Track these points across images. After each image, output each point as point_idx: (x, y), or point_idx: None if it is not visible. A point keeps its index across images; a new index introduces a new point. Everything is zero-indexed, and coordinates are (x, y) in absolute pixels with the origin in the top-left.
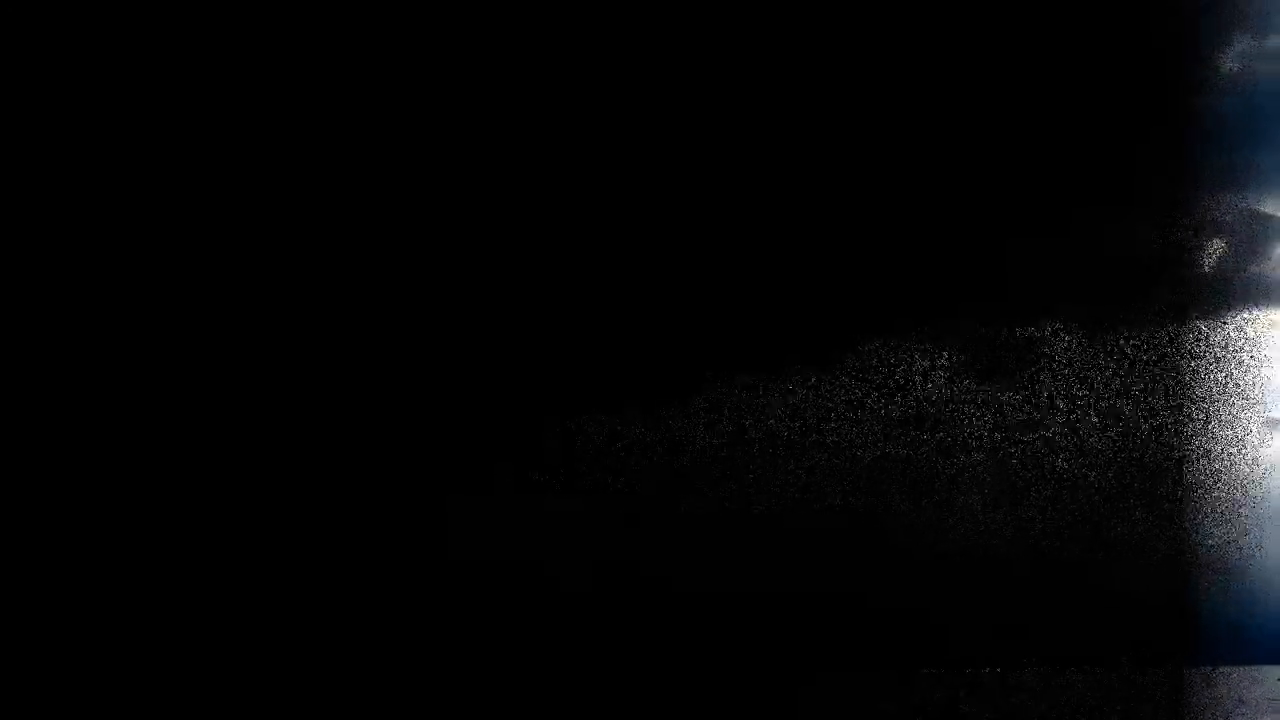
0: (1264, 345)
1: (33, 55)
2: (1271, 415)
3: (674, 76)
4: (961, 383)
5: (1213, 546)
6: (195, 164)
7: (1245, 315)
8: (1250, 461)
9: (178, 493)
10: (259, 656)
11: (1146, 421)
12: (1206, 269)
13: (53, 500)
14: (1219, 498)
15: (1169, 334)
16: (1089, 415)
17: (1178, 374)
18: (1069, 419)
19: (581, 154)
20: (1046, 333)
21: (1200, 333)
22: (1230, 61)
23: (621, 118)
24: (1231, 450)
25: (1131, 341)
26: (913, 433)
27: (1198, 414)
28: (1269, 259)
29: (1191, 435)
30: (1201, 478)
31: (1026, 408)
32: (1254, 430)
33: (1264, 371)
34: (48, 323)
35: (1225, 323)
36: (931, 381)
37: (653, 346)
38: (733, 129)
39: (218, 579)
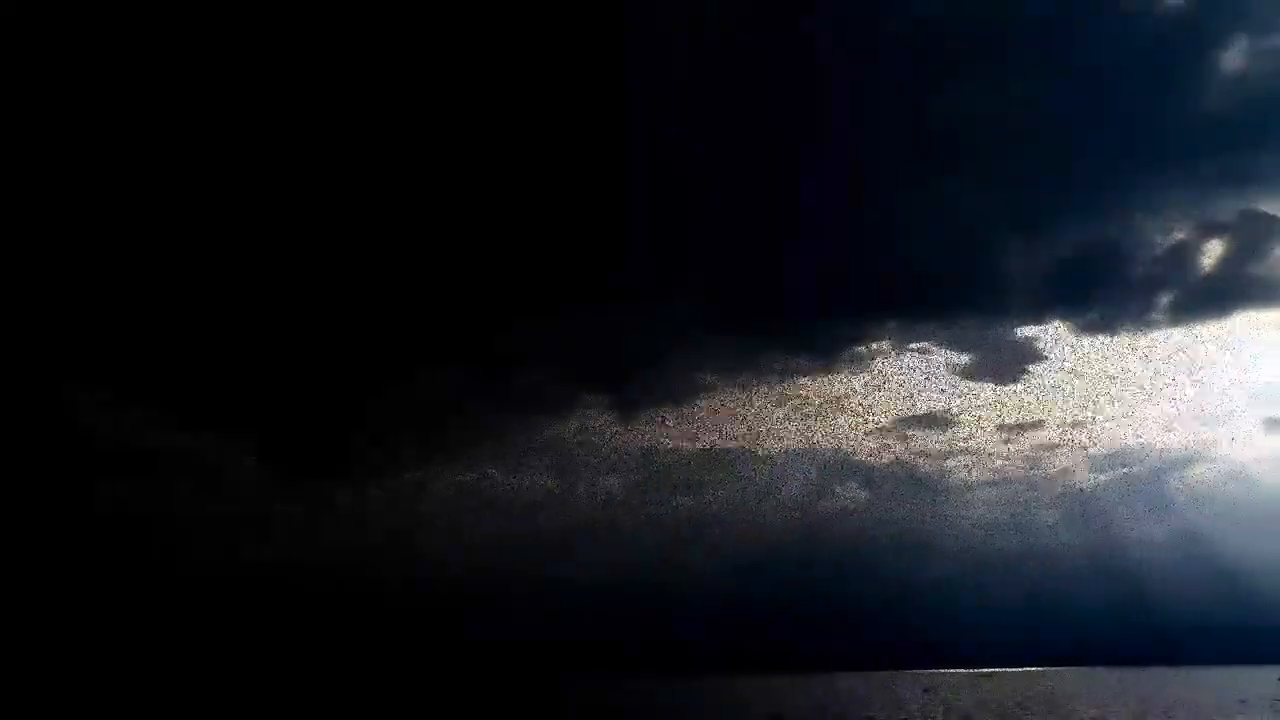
0: (1264, 345)
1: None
2: (1271, 415)
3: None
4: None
5: (1213, 545)
6: None
7: (1245, 315)
8: (1250, 460)
9: None
10: None
11: (1146, 420)
12: (1206, 269)
13: None
14: (1220, 497)
15: (1169, 334)
16: (1087, 415)
17: (1177, 374)
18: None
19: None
20: (1045, 333)
21: (1200, 333)
22: (1230, 61)
23: None
24: (1231, 449)
25: (1132, 341)
26: None
27: (1198, 413)
28: (1269, 259)
29: (1192, 434)
30: (1202, 476)
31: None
32: (1254, 430)
33: (1264, 371)
34: None
35: (1225, 323)
36: None
37: None
38: None
39: None
